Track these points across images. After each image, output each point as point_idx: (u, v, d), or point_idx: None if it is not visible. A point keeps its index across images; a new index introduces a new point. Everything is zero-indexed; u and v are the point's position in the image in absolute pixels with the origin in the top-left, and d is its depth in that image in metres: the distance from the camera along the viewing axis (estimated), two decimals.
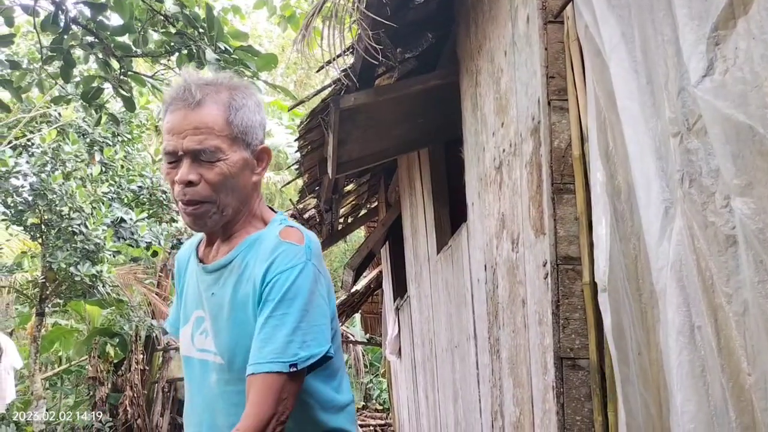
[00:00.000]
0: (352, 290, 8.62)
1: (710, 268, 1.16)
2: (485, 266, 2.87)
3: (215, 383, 1.34)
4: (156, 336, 11.21)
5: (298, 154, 4.45)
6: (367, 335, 12.11)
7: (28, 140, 8.36)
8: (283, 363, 1.22)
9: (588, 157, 1.89)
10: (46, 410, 9.82)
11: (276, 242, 1.31)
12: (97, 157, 8.81)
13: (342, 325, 11.30)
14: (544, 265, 2.13)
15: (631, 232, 1.60)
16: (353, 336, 12.55)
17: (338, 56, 2.87)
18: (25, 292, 9.53)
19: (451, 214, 3.99)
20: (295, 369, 1.23)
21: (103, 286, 8.77)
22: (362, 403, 14.37)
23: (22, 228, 8.67)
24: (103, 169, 8.76)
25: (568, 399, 2.02)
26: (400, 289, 5.86)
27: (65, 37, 3.23)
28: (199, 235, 1.51)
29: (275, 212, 1.46)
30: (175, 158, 1.32)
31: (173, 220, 9.61)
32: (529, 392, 2.32)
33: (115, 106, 7.76)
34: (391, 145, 4.09)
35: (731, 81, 1.18)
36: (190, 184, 1.31)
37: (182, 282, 1.53)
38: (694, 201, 1.22)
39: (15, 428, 8.93)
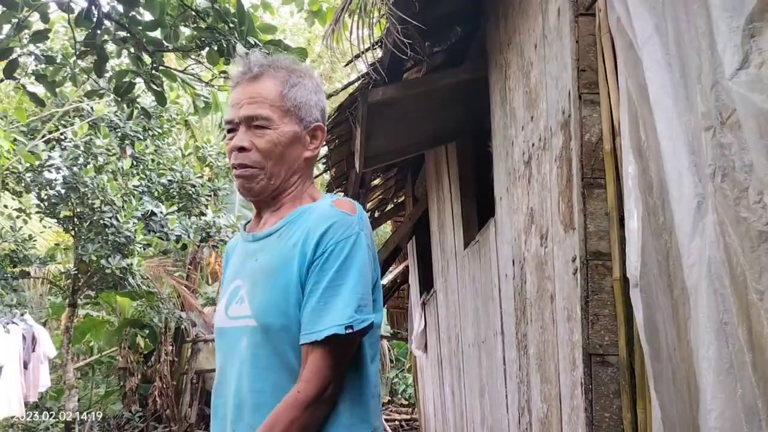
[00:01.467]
0: None
1: (742, 264, 1.14)
2: (513, 261, 2.86)
3: (246, 347, 1.36)
4: (185, 328, 11.36)
5: (326, 149, 4.47)
6: (393, 330, 12.12)
7: (61, 134, 8.52)
8: (339, 326, 1.27)
9: (619, 151, 1.87)
10: (78, 400, 10.02)
11: (330, 210, 1.35)
12: (128, 150, 8.94)
13: None
14: (574, 261, 2.11)
15: (663, 227, 1.58)
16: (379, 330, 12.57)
17: (366, 50, 2.87)
18: (58, 283, 9.73)
19: (479, 209, 3.98)
20: (351, 330, 1.27)
21: (133, 278, 8.91)
22: (388, 398, 14.39)
23: (55, 220, 8.84)
24: (134, 162, 8.87)
25: (596, 396, 2.00)
26: (427, 284, 5.86)
27: (98, 32, 3.28)
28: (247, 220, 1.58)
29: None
30: (232, 127, 1.42)
31: (202, 214, 9.71)
32: (557, 388, 2.30)
33: (146, 100, 7.86)
34: (419, 140, 4.09)
35: (767, 74, 1.16)
36: (242, 149, 1.39)
37: (227, 268, 1.57)
38: (726, 196, 1.20)
39: (48, 415, 9.14)
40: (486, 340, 3.48)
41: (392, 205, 7.06)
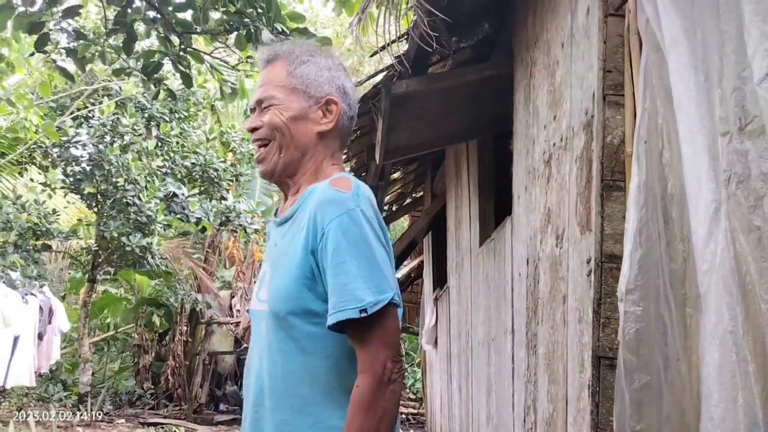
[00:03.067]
0: None
1: (752, 273, 1.13)
2: (527, 261, 2.85)
3: (264, 332, 1.37)
4: (200, 309, 11.47)
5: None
6: (405, 324, 12.14)
7: (89, 112, 8.62)
8: (352, 309, 1.23)
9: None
10: (92, 374, 10.18)
11: (326, 190, 1.33)
12: (154, 131, 9.03)
13: None
14: (588, 262, 2.10)
15: (680, 234, 1.56)
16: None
17: (392, 42, 2.87)
18: (78, 258, 9.87)
19: (496, 207, 3.96)
20: (365, 314, 1.23)
21: (152, 258, 9.02)
22: None
23: (79, 196, 8.97)
24: (159, 143, 8.97)
25: (603, 399, 1.99)
26: (440, 280, 5.85)
27: (129, 11, 3.31)
28: None
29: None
30: (252, 109, 1.49)
31: (223, 198, 9.79)
32: (564, 390, 2.30)
33: (174, 83, 7.94)
34: (441, 135, 4.08)
35: None
36: (253, 129, 1.45)
37: None
38: (740, 203, 1.18)
39: (62, 387, 9.29)
40: (496, 338, 3.47)
41: (410, 200, 7.05)
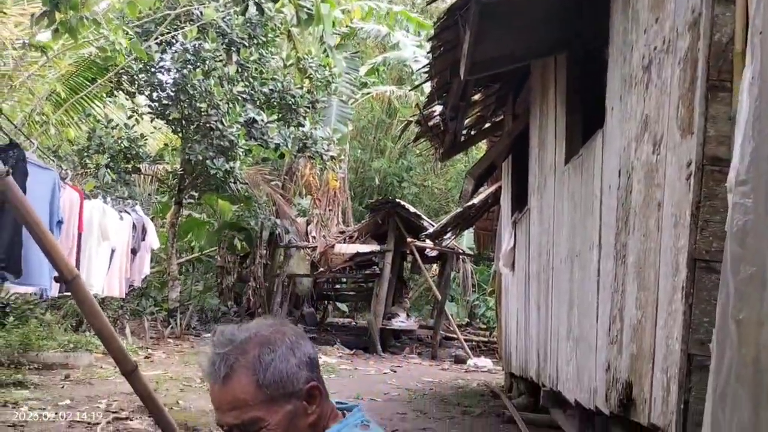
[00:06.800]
0: (468, 204, 8.66)
1: None
2: (619, 172, 2.81)
3: None
4: (278, 234, 11.86)
5: (424, 67, 4.43)
6: (479, 252, 12.20)
7: (172, 37, 8.82)
8: None
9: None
10: (179, 292, 10.79)
11: None
12: (234, 57, 9.17)
13: (452, 240, 11.41)
14: (688, 166, 2.06)
15: None
16: (462, 250, 12.69)
17: None
18: (165, 182, 10.31)
19: (583, 123, 3.88)
20: None
21: (234, 183, 9.34)
22: (467, 320, 14.68)
23: (165, 122, 9.30)
24: (239, 69, 9.11)
25: (697, 300, 1.99)
26: (519, 203, 5.83)
27: None
28: None
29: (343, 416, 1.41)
30: (227, 430, 1.33)
31: (300, 125, 9.93)
32: (654, 295, 2.30)
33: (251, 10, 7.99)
34: (529, 47, 3.98)
35: None
36: None
37: None
38: None
39: (153, 302, 9.90)
40: (580, 253, 3.47)
41: (489, 124, 6.96)
